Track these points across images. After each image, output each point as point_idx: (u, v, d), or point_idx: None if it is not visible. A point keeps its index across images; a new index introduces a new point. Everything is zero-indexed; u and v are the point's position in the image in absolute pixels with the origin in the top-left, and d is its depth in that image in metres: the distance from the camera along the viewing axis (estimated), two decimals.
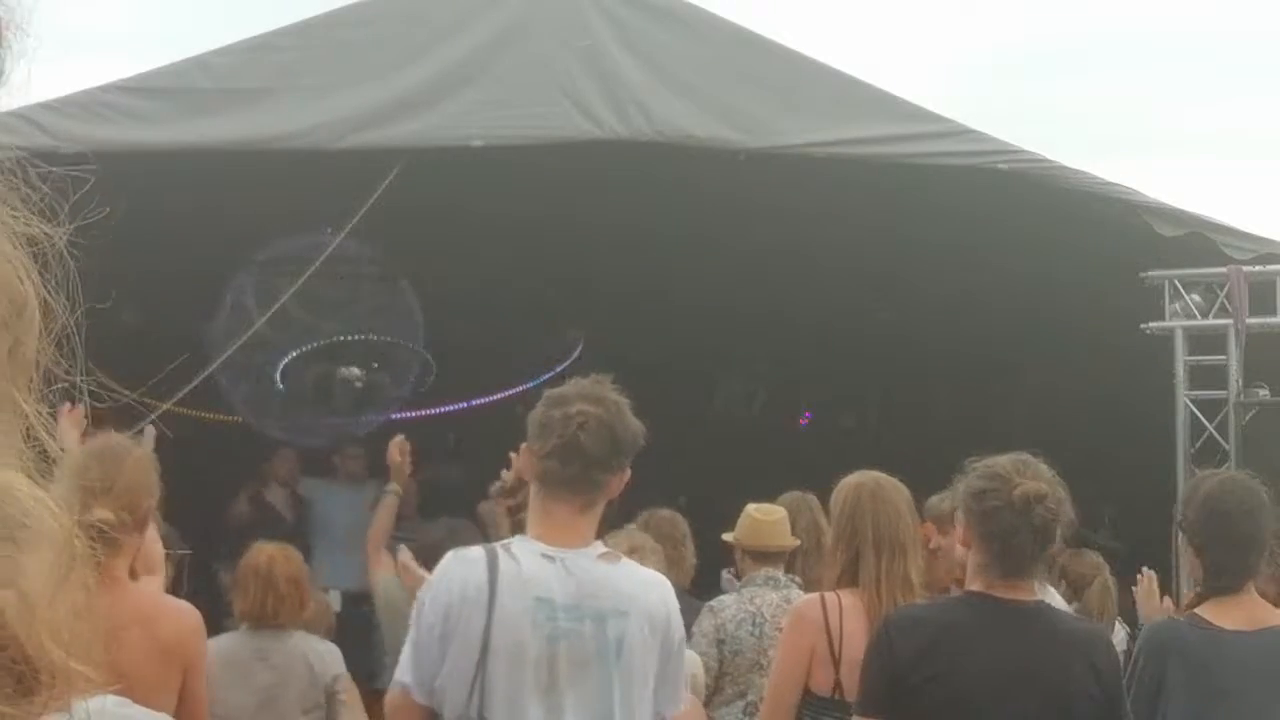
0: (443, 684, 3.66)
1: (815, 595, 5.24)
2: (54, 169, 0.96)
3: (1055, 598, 5.79)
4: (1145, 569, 6.26)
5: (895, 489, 5.08)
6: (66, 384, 0.95)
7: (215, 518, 10.92)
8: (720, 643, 6.31)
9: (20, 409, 0.88)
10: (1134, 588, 6.31)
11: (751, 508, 6.61)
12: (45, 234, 0.91)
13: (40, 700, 0.86)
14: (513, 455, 7.17)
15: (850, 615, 4.96)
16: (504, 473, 7.55)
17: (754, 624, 6.28)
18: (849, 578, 5.03)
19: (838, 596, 5.03)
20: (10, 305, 0.87)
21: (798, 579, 6.41)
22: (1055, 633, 4.05)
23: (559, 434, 3.76)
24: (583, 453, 3.76)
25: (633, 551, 5.49)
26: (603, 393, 3.85)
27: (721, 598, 6.56)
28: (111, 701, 2.34)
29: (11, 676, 0.85)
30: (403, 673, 3.74)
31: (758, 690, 6.03)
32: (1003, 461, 4.09)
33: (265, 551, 6.28)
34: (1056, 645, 4.01)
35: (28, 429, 0.88)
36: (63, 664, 0.86)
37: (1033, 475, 4.03)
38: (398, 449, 7.36)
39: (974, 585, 4.04)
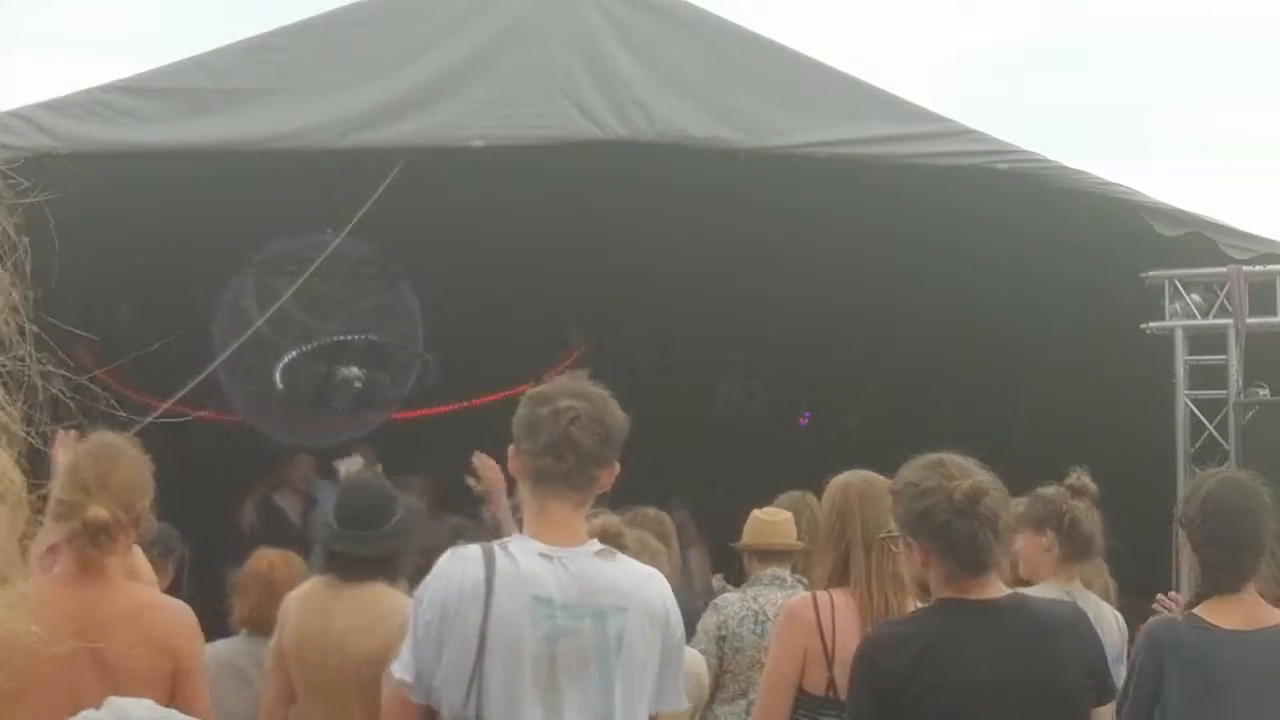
0: (440, 682, 3.65)
1: (807, 594, 5.21)
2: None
3: (1090, 598, 5.77)
4: (1174, 593, 6.22)
5: (886, 488, 4.92)
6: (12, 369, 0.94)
7: (225, 521, 10.91)
8: (721, 639, 6.31)
9: None
10: (1154, 605, 6.26)
11: (755, 512, 6.64)
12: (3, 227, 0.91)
13: None
14: (475, 462, 7.15)
15: (843, 614, 4.92)
16: (469, 480, 7.48)
17: (756, 621, 6.28)
18: (839, 576, 5.00)
19: (830, 595, 4.99)
20: None
21: (804, 579, 6.39)
22: (1037, 624, 4.02)
23: (550, 430, 3.75)
24: (576, 446, 3.74)
25: (605, 533, 5.47)
26: (586, 388, 3.85)
27: (725, 595, 6.57)
28: (146, 704, 2.34)
29: None
30: (401, 671, 3.72)
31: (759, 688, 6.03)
32: (923, 472, 4.00)
33: (267, 558, 6.32)
34: (1040, 637, 3.99)
35: None
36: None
37: (960, 472, 3.98)
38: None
39: (946, 593, 4.00)
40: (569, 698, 3.66)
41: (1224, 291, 8.63)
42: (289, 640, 5.46)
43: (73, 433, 4.28)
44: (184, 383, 8.99)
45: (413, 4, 8.79)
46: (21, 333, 0.92)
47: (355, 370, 12.00)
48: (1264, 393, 8.67)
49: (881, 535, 4.68)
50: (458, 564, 3.74)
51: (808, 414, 14.37)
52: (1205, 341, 8.77)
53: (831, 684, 4.90)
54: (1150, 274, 8.77)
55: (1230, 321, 8.60)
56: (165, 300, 11.04)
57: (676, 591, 4.12)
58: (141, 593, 4.48)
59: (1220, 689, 4.52)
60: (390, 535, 5.56)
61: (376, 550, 5.47)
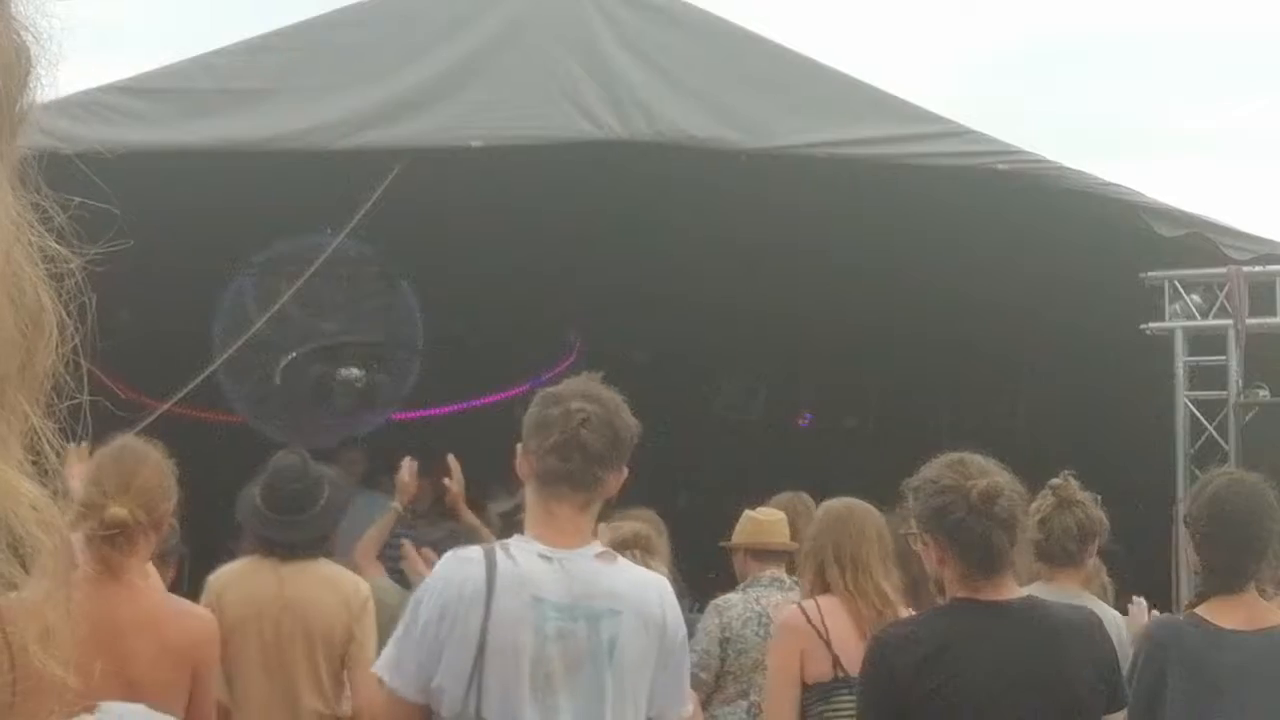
0: (440, 683, 3.64)
1: (795, 607, 5.55)
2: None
3: (1096, 603, 5.77)
4: (1136, 598, 6.26)
5: (865, 513, 5.54)
6: (74, 400, 0.95)
7: (224, 521, 10.89)
8: (725, 641, 6.33)
9: (28, 422, 0.87)
10: (1128, 611, 6.27)
11: (749, 512, 6.66)
12: (61, 251, 0.92)
13: (28, 707, 0.86)
14: (400, 476, 7.16)
15: (832, 614, 5.32)
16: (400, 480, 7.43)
17: (760, 623, 6.30)
18: (820, 587, 5.46)
19: (815, 602, 5.38)
20: (28, 319, 0.87)
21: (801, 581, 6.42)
22: (1048, 626, 4.03)
23: (560, 430, 3.73)
24: (584, 448, 3.73)
25: (635, 538, 5.66)
26: (599, 390, 3.83)
27: (727, 596, 6.58)
28: (141, 709, 2.35)
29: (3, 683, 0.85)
30: (392, 672, 3.71)
31: (760, 690, 6.06)
32: (943, 470, 4.04)
33: None
34: (1052, 639, 4.00)
35: (32, 441, 0.88)
36: (50, 671, 0.86)
37: (979, 472, 4.00)
38: (408, 471, 7.31)
39: (959, 592, 4.02)
40: (564, 699, 3.66)
41: (1224, 292, 8.63)
42: (230, 619, 5.37)
43: (83, 446, 4.26)
44: (184, 383, 8.99)
45: (413, 5, 8.79)
46: (80, 379, 0.93)
47: (355, 371, 11.98)
48: (1264, 393, 8.67)
49: (901, 531, 4.75)
50: (458, 566, 3.74)
51: (808, 414, 14.37)
52: (1205, 342, 8.77)
53: (836, 663, 5.24)
54: (1150, 274, 8.77)
55: (1230, 322, 8.60)
56: (165, 301, 11.03)
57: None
58: (159, 599, 4.45)
59: (1220, 688, 4.53)
60: (319, 518, 5.66)
61: (308, 534, 5.57)
